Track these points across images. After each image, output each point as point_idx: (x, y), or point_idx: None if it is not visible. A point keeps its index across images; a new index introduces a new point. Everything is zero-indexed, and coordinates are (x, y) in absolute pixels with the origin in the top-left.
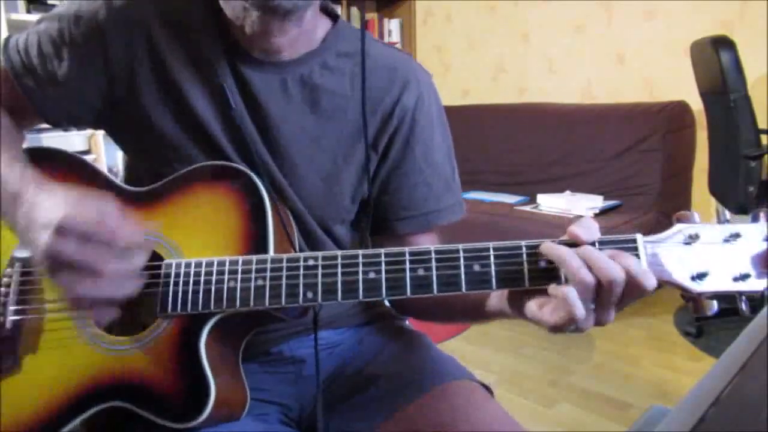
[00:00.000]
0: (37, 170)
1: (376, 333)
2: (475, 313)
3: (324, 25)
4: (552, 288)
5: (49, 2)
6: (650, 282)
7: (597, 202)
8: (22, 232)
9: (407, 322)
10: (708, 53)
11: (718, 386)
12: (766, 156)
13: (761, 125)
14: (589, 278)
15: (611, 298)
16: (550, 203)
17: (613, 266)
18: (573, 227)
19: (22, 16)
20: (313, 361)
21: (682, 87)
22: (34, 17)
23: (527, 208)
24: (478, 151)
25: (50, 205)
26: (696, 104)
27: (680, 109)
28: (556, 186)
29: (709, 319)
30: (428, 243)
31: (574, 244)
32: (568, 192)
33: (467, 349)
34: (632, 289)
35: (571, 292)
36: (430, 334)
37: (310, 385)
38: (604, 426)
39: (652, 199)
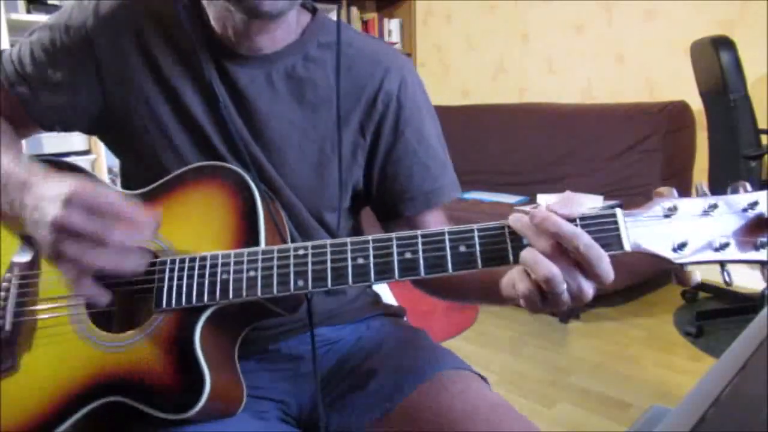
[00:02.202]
0: None
1: (375, 329)
2: (491, 294)
3: (304, 17)
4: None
5: (49, 2)
6: (582, 240)
7: (597, 202)
8: (30, 212)
9: (405, 319)
10: (708, 53)
11: (718, 386)
12: (766, 156)
13: (761, 125)
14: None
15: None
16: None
17: (565, 223)
18: (534, 217)
19: (22, 16)
20: (311, 357)
21: (682, 87)
22: (34, 17)
23: (527, 208)
24: (478, 151)
25: (59, 182)
26: (696, 104)
27: (680, 109)
28: (556, 186)
29: (709, 319)
30: (436, 221)
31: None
32: (568, 192)
33: (467, 349)
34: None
35: (530, 251)
36: (430, 333)
37: (308, 382)
38: (604, 426)
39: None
